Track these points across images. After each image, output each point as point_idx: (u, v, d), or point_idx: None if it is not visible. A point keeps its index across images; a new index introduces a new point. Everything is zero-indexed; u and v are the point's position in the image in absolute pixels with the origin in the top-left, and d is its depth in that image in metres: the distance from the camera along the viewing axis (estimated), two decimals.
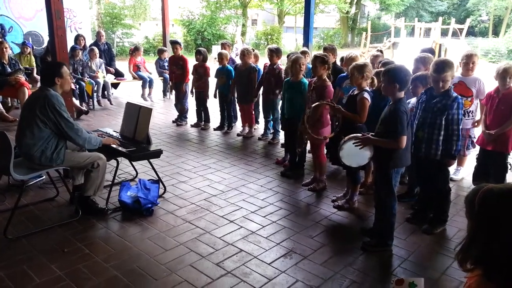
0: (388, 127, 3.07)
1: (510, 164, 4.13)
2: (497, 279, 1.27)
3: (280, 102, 5.41)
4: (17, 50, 9.33)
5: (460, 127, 3.30)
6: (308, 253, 3.22)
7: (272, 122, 6.37)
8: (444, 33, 19.93)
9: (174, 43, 7.44)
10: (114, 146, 3.94)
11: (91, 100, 8.42)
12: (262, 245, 3.34)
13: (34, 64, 8.33)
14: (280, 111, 5.37)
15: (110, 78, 9.11)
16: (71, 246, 3.22)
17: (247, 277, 2.89)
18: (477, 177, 4.19)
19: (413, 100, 3.99)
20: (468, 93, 4.38)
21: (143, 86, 9.32)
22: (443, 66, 3.28)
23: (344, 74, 4.78)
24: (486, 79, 4.53)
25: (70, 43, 7.24)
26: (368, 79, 3.82)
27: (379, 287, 2.87)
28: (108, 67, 9.26)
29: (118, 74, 9.53)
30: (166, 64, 9.09)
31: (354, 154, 3.31)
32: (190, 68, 7.20)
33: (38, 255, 3.08)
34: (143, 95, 9.30)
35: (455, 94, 3.32)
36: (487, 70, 4.26)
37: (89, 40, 11.08)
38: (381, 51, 5.75)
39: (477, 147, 4.40)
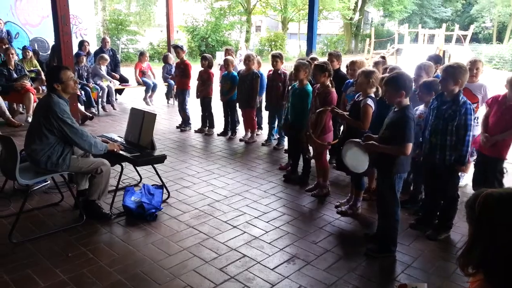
0: (395, 133, 3.07)
1: (506, 169, 4.12)
2: (498, 283, 1.28)
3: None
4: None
5: (470, 133, 3.30)
6: (311, 258, 3.22)
7: (277, 128, 6.39)
8: (448, 39, 19.96)
9: (176, 48, 7.49)
10: (118, 151, 3.96)
11: (95, 105, 8.48)
12: (265, 250, 3.34)
13: (39, 66, 8.41)
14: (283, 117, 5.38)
15: (115, 84, 9.19)
16: (75, 251, 3.24)
17: (250, 282, 2.90)
18: (476, 182, 4.18)
19: (421, 107, 4.00)
20: (474, 100, 4.37)
21: (146, 91, 9.42)
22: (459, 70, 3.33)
23: (350, 80, 4.79)
24: (491, 86, 4.53)
25: (74, 49, 7.32)
26: (373, 87, 3.82)
27: None
28: (113, 73, 9.34)
29: (123, 80, 9.61)
30: (172, 70, 9.19)
31: (357, 160, 3.32)
32: (193, 73, 7.24)
33: (42, 260, 3.10)
34: (145, 99, 9.43)
35: (463, 99, 3.33)
36: (491, 76, 4.26)
37: (94, 47, 11.18)
38: (384, 58, 5.75)
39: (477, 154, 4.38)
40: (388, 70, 4.55)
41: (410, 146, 3.01)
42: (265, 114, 6.84)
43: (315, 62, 4.36)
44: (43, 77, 8.04)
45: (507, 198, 1.29)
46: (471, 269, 1.34)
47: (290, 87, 5.19)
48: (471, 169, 4.82)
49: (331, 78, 4.35)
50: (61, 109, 3.46)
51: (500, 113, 3.98)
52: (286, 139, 5.92)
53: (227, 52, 7.48)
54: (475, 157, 4.66)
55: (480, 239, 1.32)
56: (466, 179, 4.82)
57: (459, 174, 4.80)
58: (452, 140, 3.34)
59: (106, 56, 8.87)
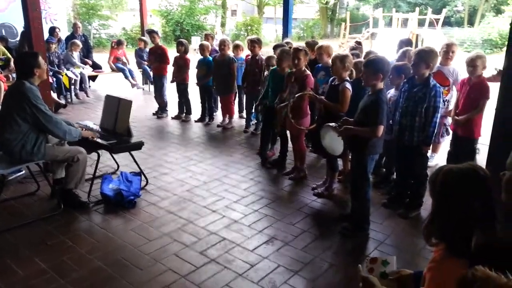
0: (368, 115, 3.17)
1: (478, 149, 4.31)
2: (456, 252, 1.39)
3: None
4: None
5: (438, 114, 3.43)
6: (289, 239, 3.32)
7: (255, 113, 6.42)
8: (421, 23, 20.27)
9: (151, 32, 7.38)
10: (93, 139, 3.94)
11: (68, 93, 8.31)
12: (245, 233, 3.42)
13: (8, 54, 8.13)
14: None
15: (88, 71, 8.99)
16: (54, 239, 3.23)
17: (230, 264, 2.98)
18: (449, 162, 4.36)
19: (392, 91, 4.11)
20: (445, 83, 4.51)
21: (126, 77, 9.29)
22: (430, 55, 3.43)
23: (319, 65, 4.85)
24: (462, 68, 4.68)
25: (45, 35, 7.10)
26: (348, 70, 3.92)
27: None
28: (86, 59, 9.13)
29: (96, 67, 9.41)
30: (145, 55, 9.06)
31: (334, 143, 3.42)
32: (170, 57, 7.17)
33: (21, 249, 3.09)
34: (132, 85, 9.38)
35: (433, 83, 3.45)
36: (463, 59, 4.38)
37: (65, 32, 10.83)
38: (359, 43, 5.85)
39: (451, 135, 4.56)
40: (365, 54, 4.64)
41: (381, 128, 3.12)
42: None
43: (298, 47, 4.36)
44: (12, 64, 7.78)
45: (465, 172, 1.40)
46: (434, 240, 1.45)
47: (268, 71, 5.24)
48: (441, 150, 5.03)
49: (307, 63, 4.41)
50: (35, 95, 3.41)
51: (466, 94, 4.15)
52: None
53: (207, 37, 7.42)
54: (445, 138, 4.85)
55: (440, 213, 1.42)
56: (437, 159, 5.02)
57: (430, 154, 5.02)
58: (421, 122, 3.47)
59: (78, 41, 8.64)
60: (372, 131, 3.12)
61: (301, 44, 4.96)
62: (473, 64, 3.98)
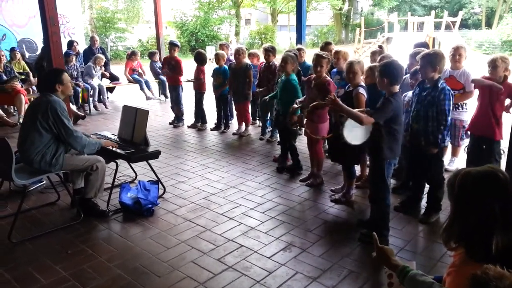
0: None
1: (503, 151, 4.20)
2: (476, 255, 1.35)
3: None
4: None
5: (448, 117, 3.37)
6: (307, 246, 3.29)
7: (270, 120, 6.43)
8: (437, 26, 20.05)
9: (172, 45, 7.47)
10: (113, 149, 4.00)
11: (86, 105, 8.49)
12: (262, 240, 3.40)
13: (28, 69, 8.39)
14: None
15: (105, 82, 9.18)
16: (74, 248, 3.28)
17: (248, 271, 2.96)
18: (468, 165, 4.27)
19: (409, 94, 4.07)
20: (459, 86, 4.46)
21: (142, 88, 9.45)
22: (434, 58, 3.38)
23: (335, 70, 4.84)
24: (481, 71, 4.60)
25: (63, 49, 7.30)
26: (360, 75, 3.89)
27: (376, 275, 2.94)
28: (104, 72, 9.33)
29: (113, 78, 9.60)
30: (158, 66, 9.28)
31: (354, 132, 3.33)
32: (184, 69, 7.27)
33: (42, 257, 3.15)
34: (147, 97, 9.52)
35: (442, 85, 3.39)
36: (481, 62, 4.32)
37: (83, 45, 11.11)
38: (380, 47, 5.89)
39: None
40: (379, 58, 4.62)
41: (370, 121, 3.06)
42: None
43: (320, 53, 4.33)
44: (32, 78, 8.02)
45: (484, 175, 1.36)
46: (453, 244, 1.41)
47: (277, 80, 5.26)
48: (462, 153, 4.93)
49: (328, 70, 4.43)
50: (62, 108, 3.54)
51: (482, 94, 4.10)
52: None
53: (222, 47, 7.50)
54: (465, 141, 4.76)
55: (459, 216, 1.39)
56: (457, 163, 4.91)
57: (450, 158, 4.93)
58: (434, 126, 3.42)
59: (101, 55, 8.85)
60: (363, 118, 3.04)
61: (315, 50, 4.96)
62: (493, 64, 3.91)
